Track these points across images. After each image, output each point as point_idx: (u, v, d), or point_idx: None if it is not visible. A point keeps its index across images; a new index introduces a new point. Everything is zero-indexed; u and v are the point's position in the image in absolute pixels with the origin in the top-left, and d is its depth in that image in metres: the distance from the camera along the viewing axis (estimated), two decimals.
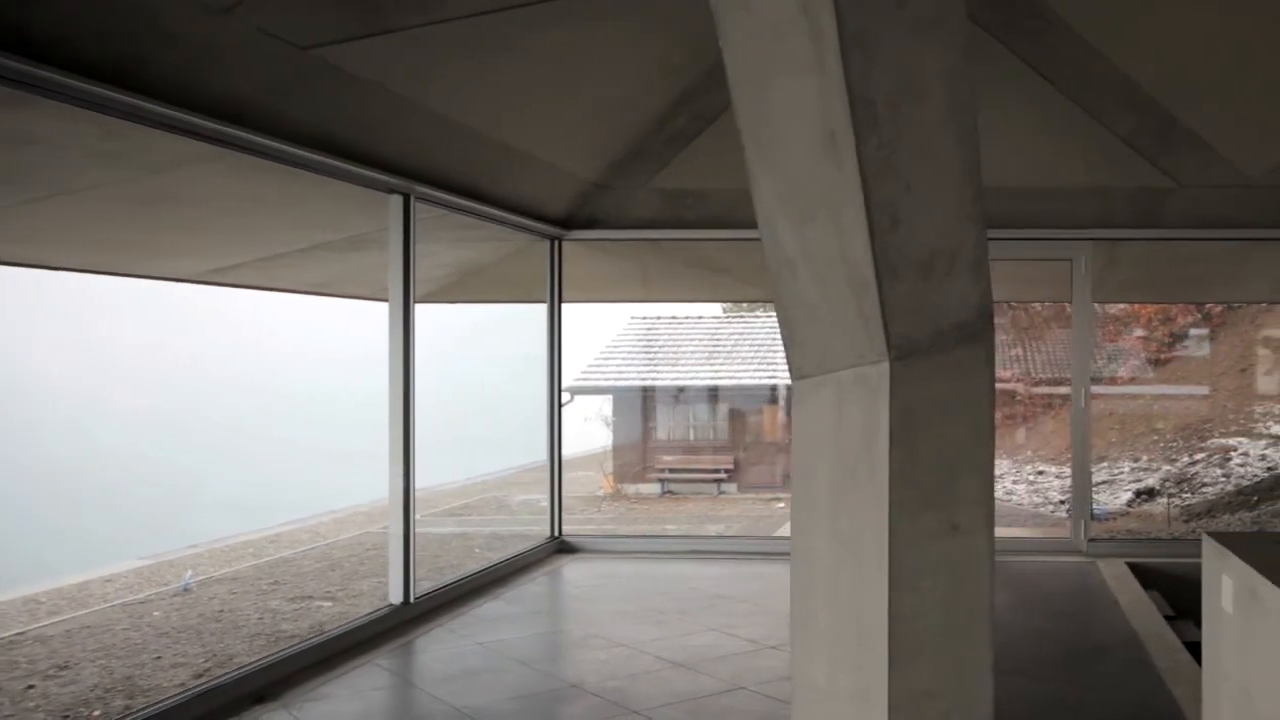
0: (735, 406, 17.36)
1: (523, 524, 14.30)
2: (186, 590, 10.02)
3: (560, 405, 7.68)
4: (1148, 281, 8.83)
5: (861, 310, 3.08)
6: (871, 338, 3.14)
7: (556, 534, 7.61)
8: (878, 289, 3.01)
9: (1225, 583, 3.52)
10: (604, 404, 17.50)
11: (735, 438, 17.21)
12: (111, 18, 3.38)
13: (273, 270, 6.72)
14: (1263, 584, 3.07)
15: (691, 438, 17.36)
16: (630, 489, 17.38)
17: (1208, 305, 13.58)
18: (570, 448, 20.26)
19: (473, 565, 7.06)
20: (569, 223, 7.37)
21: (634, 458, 17.47)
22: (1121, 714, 4.22)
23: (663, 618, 5.59)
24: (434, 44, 4.68)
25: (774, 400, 17.21)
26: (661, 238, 7.60)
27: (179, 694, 4.20)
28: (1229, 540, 3.66)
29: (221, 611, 9.17)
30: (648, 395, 17.66)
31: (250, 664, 4.58)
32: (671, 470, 17.17)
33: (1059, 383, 14.69)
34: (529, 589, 6.42)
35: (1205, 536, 3.85)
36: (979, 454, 3.49)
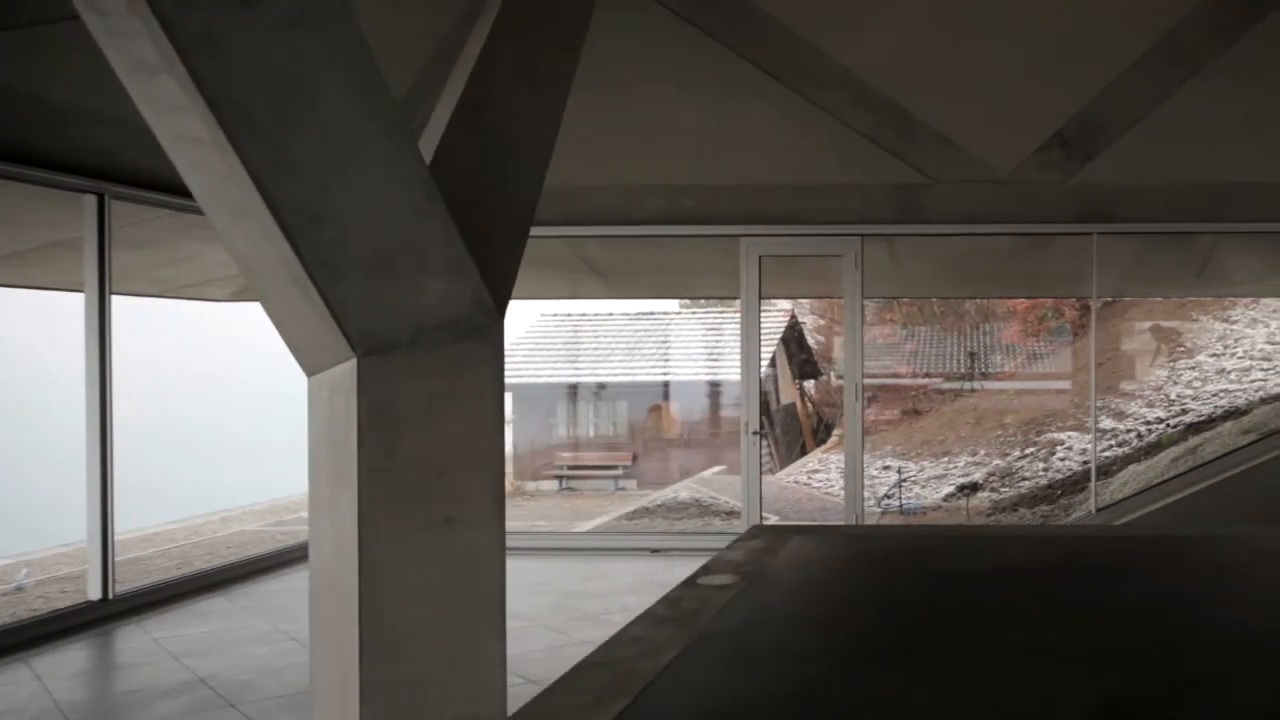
0: (634, 403, 17.42)
1: None
2: (19, 590, 10.02)
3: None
4: (943, 278, 8.89)
5: (314, 308, 3.13)
6: (335, 335, 3.18)
7: None
8: (316, 287, 3.04)
9: None
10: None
11: (633, 434, 17.28)
12: None
13: (23, 269, 6.75)
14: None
15: (590, 434, 17.43)
16: (531, 485, 17.43)
17: (1086, 299, 13.68)
18: None
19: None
20: None
21: (532, 455, 17.53)
22: None
23: None
24: (72, 45, 4.71)
25: (669, 396, 17.28)
26: None
27: None
28: (765, 530, 3.74)
29: (35, 612, 9.19)
30: (547, 392, 17.72)
31: None
32: (570, 467, 17.23)
33: (951, 378, 14.79)
34: (270, 586, 6.47)
35: (754, 527, 3.93)
36: (482, 448, 3.55)
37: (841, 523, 7.74)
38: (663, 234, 7.58)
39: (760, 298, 7.58)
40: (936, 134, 6.76)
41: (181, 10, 2.57)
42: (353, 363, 3.22)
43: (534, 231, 7.43)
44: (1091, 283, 7.60)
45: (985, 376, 14.30)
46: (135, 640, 5.16)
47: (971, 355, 14.87)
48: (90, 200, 5.51)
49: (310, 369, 3.42)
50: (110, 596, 5.58)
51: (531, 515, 15.41)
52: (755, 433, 7.54)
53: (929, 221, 7.36)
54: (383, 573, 3.29)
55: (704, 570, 3.03)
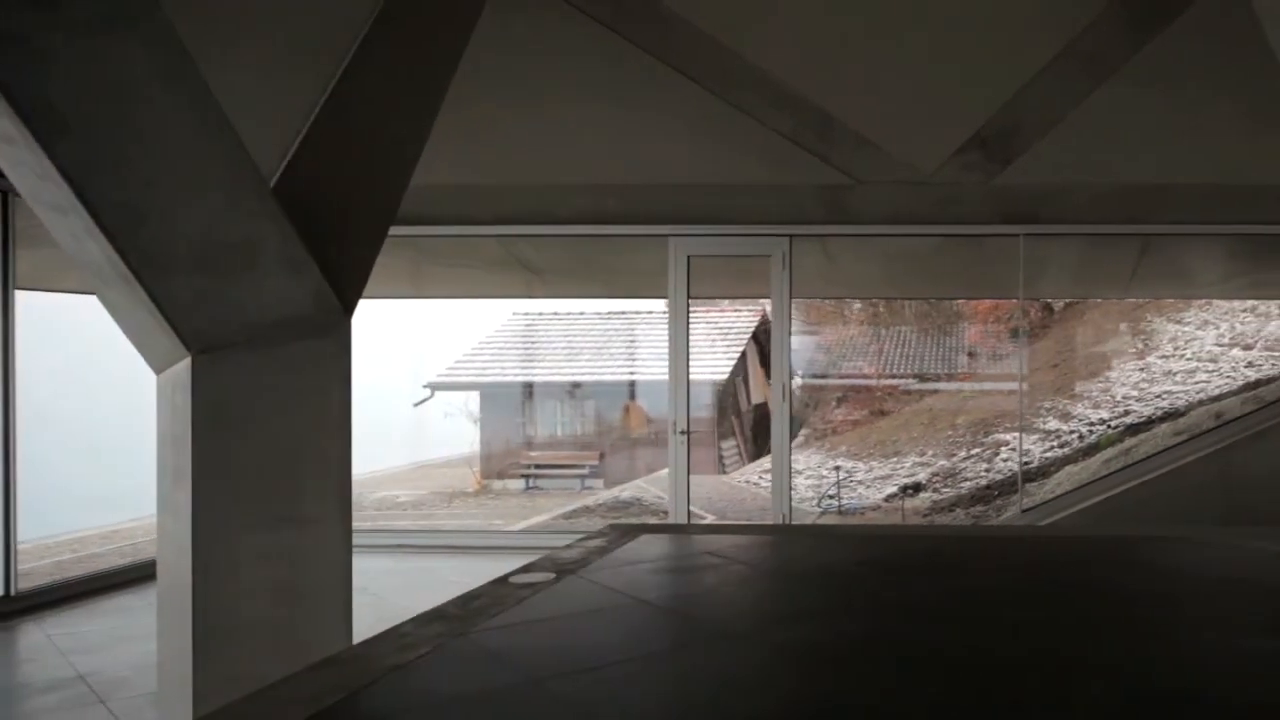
0: (602, 402, 17.43)
1: (368, 519, 14.33)
2: None
3: None
4: (879, 278, 8.91)
5: (145, 306, 3.14)
6: (168, 333, 3.19)
7: None
8: (142, 285, 3.05)
9: None
10: (469, 400, 17.57)
11: (600, 432, 17.30)
12: None
13: None
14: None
15: (557, 433, 17.43)
16: (498, 484, 17.42)
17: (1049, 300, 13.71)
18: (449, 447, 20.07)
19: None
20: None
21: (501, 454, 17.53)
22: None
23: None
24: None
25: (637, 396, 17.28)
26: None
27: None
28: (616, 529, 3.75)
29: None
30: (514, 391, 17.72)
31: None
32: (537, 466, 17.23)
33: (922, 379, 14.80)
34: None
35: (609, 525, 3.95)
36: (325, 446, 3.56)
37: (771, 522, 7.76)
38: (591, 234, 7.59)
39: (689, 297, 7.59)
40: (856, 135, 6.78)
41: None
42: (187, 361, 3.23)
43: (459, 230, 7.47)
44: (1019, 284, 7.63)
45: (950, 377, 14.32)
46: (29, 637, 5.17)
47: (970, 355, 14.89)
48: None
49: (156, 367, 3.43)
50: (12, 593, 5.59)
51: (490, 514, 15.42)
52: (682, 432, 7.55)
53: (856, 222, 7.38)
54: (218, 570, 3.30)
55: (525, 568, 3.05)
